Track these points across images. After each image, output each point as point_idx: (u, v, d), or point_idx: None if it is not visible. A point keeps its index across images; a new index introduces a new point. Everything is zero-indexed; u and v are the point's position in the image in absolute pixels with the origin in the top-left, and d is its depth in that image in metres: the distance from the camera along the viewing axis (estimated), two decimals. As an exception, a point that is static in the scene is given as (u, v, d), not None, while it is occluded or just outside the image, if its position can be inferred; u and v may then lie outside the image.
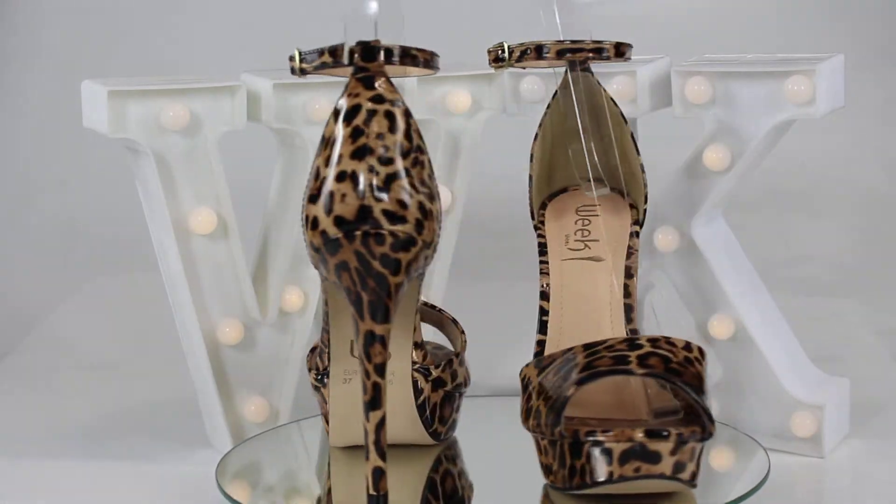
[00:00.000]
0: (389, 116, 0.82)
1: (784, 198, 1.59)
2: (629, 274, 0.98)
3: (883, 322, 1.40)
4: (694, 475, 0.86)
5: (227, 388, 1.07)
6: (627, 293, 0.98)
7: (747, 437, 1.00)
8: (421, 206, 0.82)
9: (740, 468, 0.98)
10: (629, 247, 0.99)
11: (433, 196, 0.83)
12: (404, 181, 0.81)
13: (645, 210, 1.00)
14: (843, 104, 1.06)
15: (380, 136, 0.82)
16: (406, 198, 0.81)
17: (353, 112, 0.82)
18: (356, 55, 0.83)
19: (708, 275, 1.07)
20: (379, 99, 0.82)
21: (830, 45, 1.34)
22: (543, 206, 1.01)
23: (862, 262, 1.53)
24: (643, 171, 0.99)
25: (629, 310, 0.97)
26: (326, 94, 1.08)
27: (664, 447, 0.85)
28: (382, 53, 0.83)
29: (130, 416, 1.18)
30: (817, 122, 1.04)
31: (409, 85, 1.11)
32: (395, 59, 0.83)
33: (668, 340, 0.89)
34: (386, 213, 0.81)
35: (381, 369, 0.83)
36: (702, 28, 1.66)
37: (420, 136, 0.83)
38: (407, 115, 0.83)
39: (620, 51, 0.97)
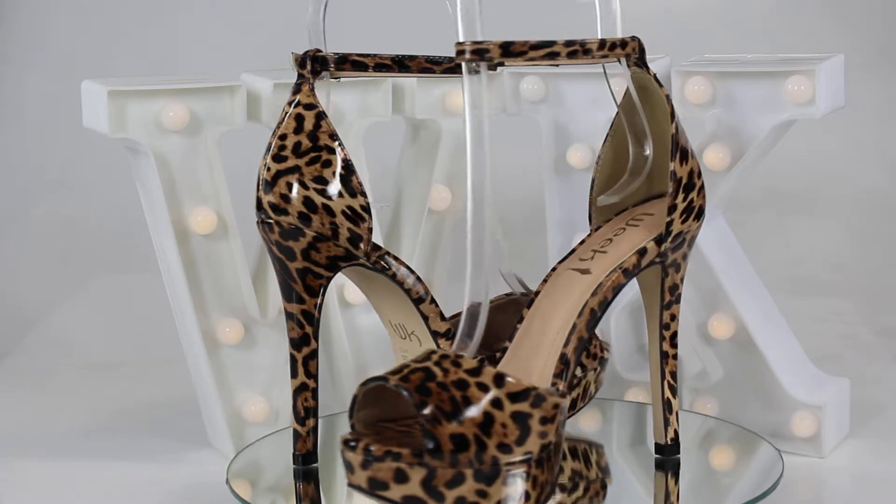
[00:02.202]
0: (298, 118, 0.92)
1: (784, 198, 1.59)
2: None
3: (883, 322, 1.40)
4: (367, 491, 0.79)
5: (227, 388, 1.07)
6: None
7: (760, 438, 1.01)
8: (307, 201, 0.91)
9: (751, 468, 0.98)
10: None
11: (335, 194, 0.91)
12: (292, 177, 0.91)
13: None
14: (843, 104, 1.06)
15: (282, 136, 0.92)
16: (290, 192, 0.91)
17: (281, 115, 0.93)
18: (296, 64, 0.94)
19: (708, 275, 1.07)
20: (295, 103, 0.92)
21: (830, 45, 1.35)
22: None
23: (862, 262, 1.53)
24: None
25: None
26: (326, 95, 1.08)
27: (353, 458, 0.79)
28: (310, 63, 0.92)
29: (130, 416, 1.18)
30: (817, 122, 1.04)
31: (410, 85, 1.11)
32: (331, 66, 0.93)
33: (454, 360, 0.81)
34: (271, 204, 0.92)
35: (294, 343, 0.94)
36: (702, 28, 1.66)
37: (331, 137, 0.92)
38: (318, 117, 0.92)
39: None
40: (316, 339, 0.94)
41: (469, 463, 0.78)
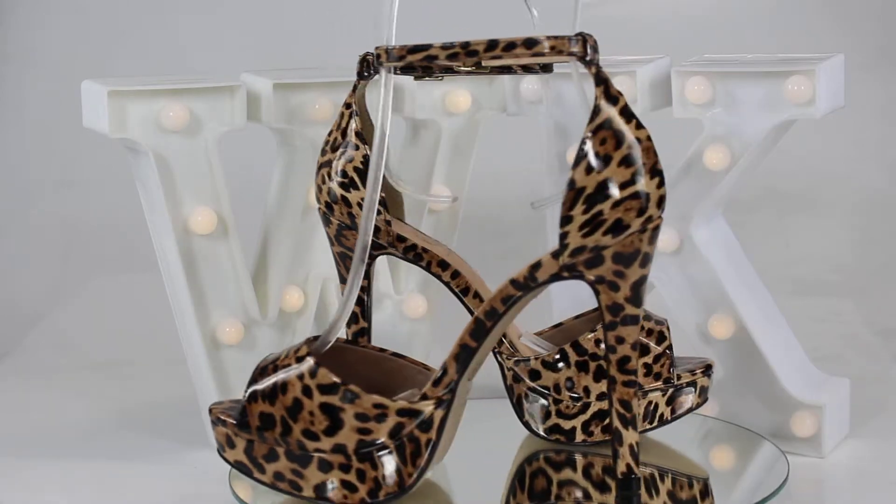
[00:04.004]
0: (340, 116, 0.98)
1: (784, 198, 1.59)
2: None
3: (883, 322, 1.40)
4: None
5: (227, 389, 1.07)
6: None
7: (762, 438, 1.01)
8: (330, 191, 0.97)
9: (754, 469, 0.98)
10: None
11: (352, 186, 0.97)
12: (325, 170, 0.98)
13: None
14: (843, 104, 1.06)
15: (329, 132, 0.98)
16: (322, 183, 0.98)
17: None
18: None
19: (708, 275, 1.07)
20: (344, 103, 0.98)
21: (830, 45, 1.35)
22: None
23: (862, 262, 1.53)
24: None
25: None
26: (326, 95, 1.08)
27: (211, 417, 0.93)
28: (357, 65, 0.97)
29: (130, 416, 1.18)
30: (817, 122, 1.04)
31: (410, 85, 1.11)
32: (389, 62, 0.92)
33: (303, 345, 0.90)
34: (316, 194, 0.99)
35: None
36: (702, 28, 1.66)
37: (357, 135, 0.96)
38: (351, 115, 0.97)
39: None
40: (365, 318, 1.00)
41: (276, 441, 0.87)
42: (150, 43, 1.67)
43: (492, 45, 0.85)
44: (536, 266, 0.85)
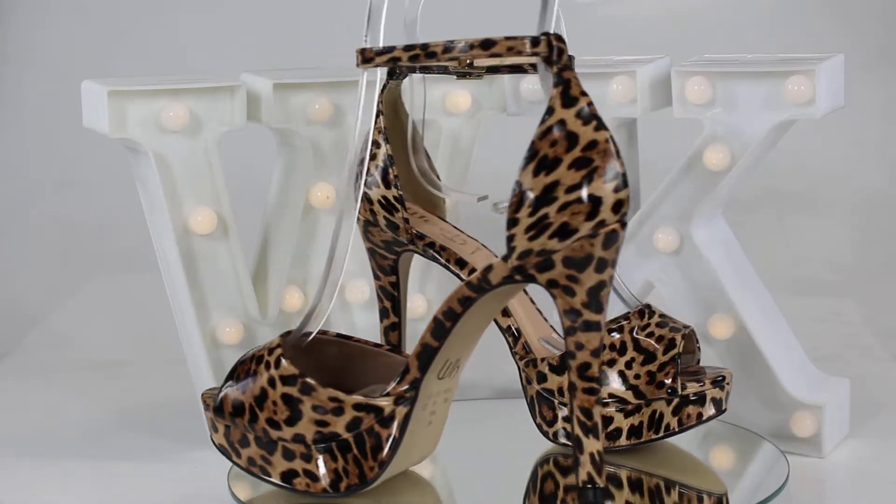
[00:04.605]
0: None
1: (784, 198, 1.59)
2: None
3: (883, 322, 1.40)
4: None
5: (227, 388, 1.07)
6: None
7: (762, 439, 1.01)
8: (366, 196, 0.99)
9: (754, 469, 0.98)
10: None
11: (374, 184, 0.98)
12: (356, 168, 0.94)
13: None
14: (843, 104, 1.06)
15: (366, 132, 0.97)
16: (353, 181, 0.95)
17: None
18: None
19: (708, 275, 1.07)
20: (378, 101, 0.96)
21: (830, 45, 1.35)
22: None
23: (862, 262, 1.53)
24: None
25: None
26: (326, 94, 1.08)
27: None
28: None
29: (130, 416, 1.18)
30: (817, 122, 1.04)
31: (410, 85, 1.11)
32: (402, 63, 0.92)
33: (280, 336, 0.93)
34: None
35: (379, 314, 1.04)
36: (702, 28, 1.66)
37: (380, 132, 0.98)
38: (377, 114, 0.97)
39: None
40: (395, 313, 1.02)
41: (245, 428, 0.91)
42: (150, 43, 1.67)
43: (448, 46, 0.85)
44: (489, 269, 0.84)
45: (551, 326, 1.02)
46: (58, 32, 1.66)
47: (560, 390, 0.97)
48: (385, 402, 0.89)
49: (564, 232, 0.81)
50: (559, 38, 0.82)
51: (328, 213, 1.10)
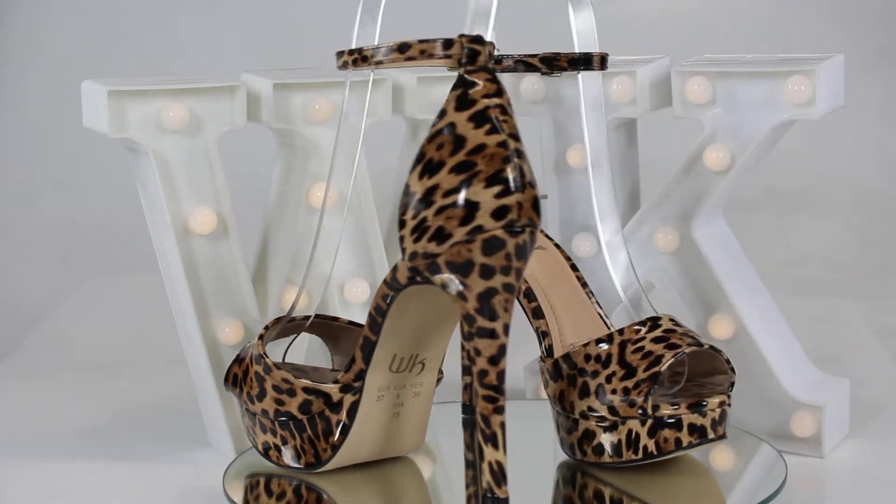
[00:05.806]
0: None
1: (784, 198, 1.59)
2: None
3: (883, 322, 1.40)
4: None
5: (227, 388, 1.07)
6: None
7: (760, 440, 1.01)
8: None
9: (753, 470, 0.98)
10: None
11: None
12: None
13: None
14: (843, 104, 1.06)
15: None
16: None
17: None
18: None
19: (708, 275, 1.07)
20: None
21: (830, 45, 1.35)
22: None
23: (862, 262, 1.53)
24: None
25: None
26: (326, 95, 1.08)
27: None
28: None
29: (130, 416, 1.18)
30: (817, 122, 1.04)
31: (410, 85, 1.11)
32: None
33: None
34: None
35: None
36: (702, 28, 1.66)
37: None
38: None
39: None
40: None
41: (237, 397, 0.97)
42: (150, 43, 1.67)
43: (375, 50, 0.85)
44: (395, 268, 0.86)
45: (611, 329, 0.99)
46: (58, 32, 1.67)
47: (555, 398, 0.96)
48: (332, 389, 0.92)
49: (441, 236, 0.80)
50: (476, 40, 0.81)
51: (328, 213, 1.10)
